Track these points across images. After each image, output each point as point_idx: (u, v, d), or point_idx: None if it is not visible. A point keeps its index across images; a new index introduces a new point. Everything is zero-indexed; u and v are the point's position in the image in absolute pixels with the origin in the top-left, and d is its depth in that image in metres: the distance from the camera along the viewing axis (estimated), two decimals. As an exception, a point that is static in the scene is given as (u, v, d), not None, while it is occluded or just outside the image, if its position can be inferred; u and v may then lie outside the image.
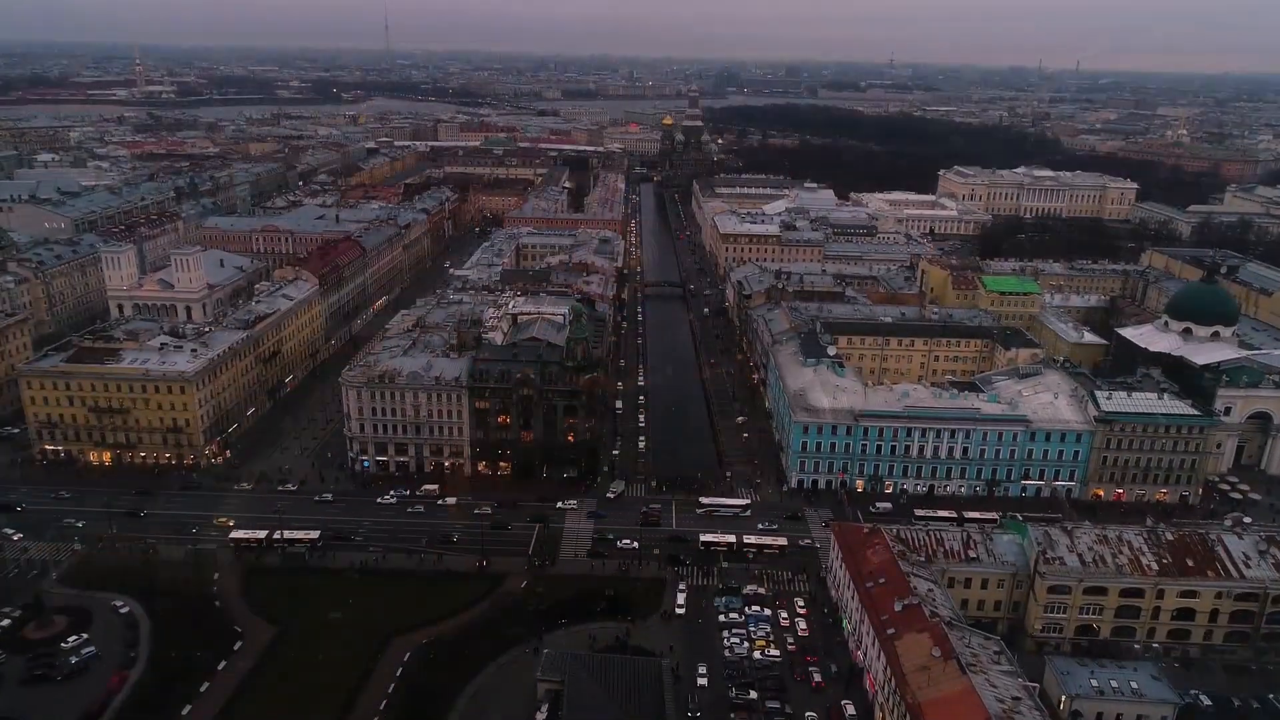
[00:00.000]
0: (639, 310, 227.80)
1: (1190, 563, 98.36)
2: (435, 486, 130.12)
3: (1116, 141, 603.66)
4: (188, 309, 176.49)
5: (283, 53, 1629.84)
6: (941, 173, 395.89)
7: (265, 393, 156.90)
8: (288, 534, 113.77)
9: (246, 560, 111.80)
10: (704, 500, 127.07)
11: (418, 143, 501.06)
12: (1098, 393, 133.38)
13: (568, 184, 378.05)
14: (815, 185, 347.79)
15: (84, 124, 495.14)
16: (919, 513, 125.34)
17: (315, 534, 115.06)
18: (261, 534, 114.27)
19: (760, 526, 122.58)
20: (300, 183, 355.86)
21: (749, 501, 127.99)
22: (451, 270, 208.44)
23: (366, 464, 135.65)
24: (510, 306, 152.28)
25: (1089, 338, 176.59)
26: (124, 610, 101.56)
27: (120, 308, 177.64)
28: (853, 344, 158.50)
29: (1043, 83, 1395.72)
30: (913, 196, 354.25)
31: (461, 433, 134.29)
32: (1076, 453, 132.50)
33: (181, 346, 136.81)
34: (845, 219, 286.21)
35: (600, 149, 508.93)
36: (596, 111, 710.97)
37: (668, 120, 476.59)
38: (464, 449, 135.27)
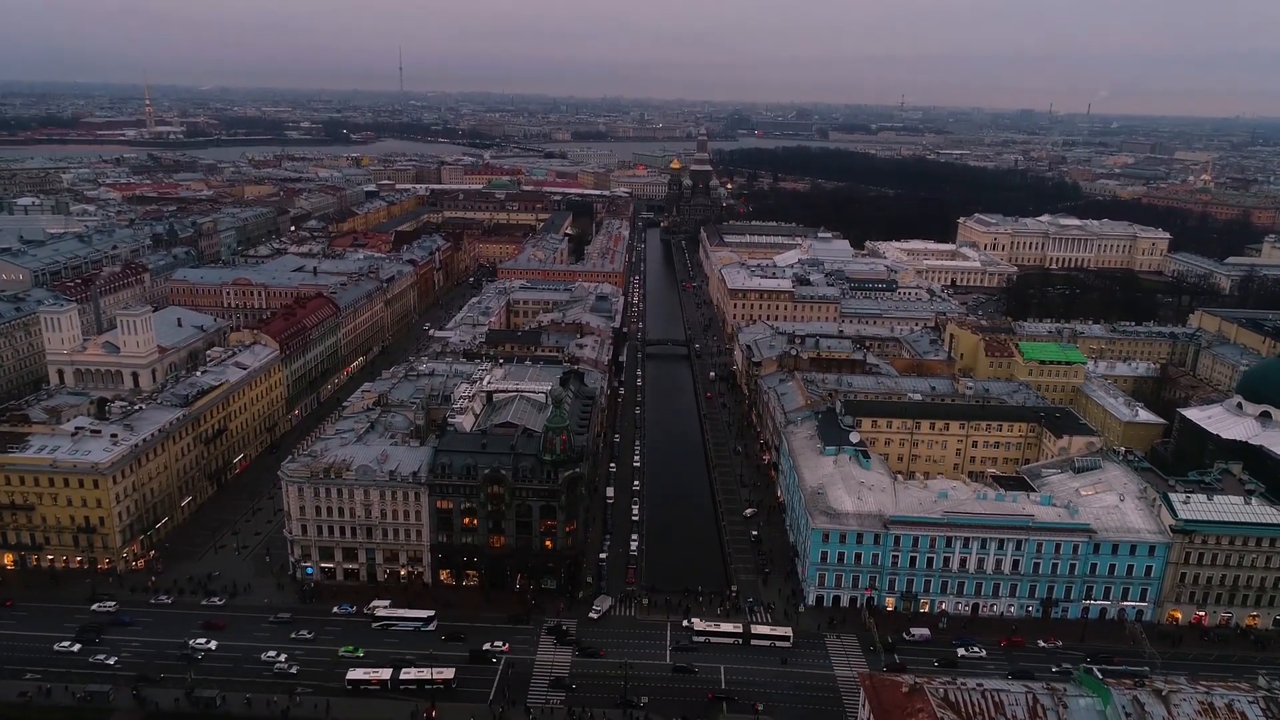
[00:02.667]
0: (638, 374, 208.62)
1: (1324, 745, 76.69)
2: (386, 601, 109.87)
3: (1138, 187, 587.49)
4: (134, 375, 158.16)
5: (298, 94, 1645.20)
6: (961, 220, 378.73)
7: (207, 477, 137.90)
8: (415, 674, 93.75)
9: (148, 708, 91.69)
10: (379, 612, 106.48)
11: (418, 186, 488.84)
12: (1172, 496, 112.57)
13: (569, 230, 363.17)
14: (829, 235, 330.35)
15: (79, 165, 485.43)
16: (699, 626, 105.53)
17: (449, 672, 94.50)
18: (385, 673, 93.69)
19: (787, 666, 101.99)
20: (292, 228, 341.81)
21: (433, 613, 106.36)
22: (431, 331, 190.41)
23: (310, 570, 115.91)
24: (486, 382, 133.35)
25: (1144, 416, 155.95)
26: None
27: (60, 374, 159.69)
28: (878, 426, 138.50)
29: (1054, 126, 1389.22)
30: (932, 246, 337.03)
31: (420, 536, 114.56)
32: (1149, 568, 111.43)
33: (100, 431, 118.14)
34: (862, 271, 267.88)
35: (606, 192, 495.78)
36: (604, 154, 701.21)
37: (675, 164, 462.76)
38: (423, 555, 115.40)
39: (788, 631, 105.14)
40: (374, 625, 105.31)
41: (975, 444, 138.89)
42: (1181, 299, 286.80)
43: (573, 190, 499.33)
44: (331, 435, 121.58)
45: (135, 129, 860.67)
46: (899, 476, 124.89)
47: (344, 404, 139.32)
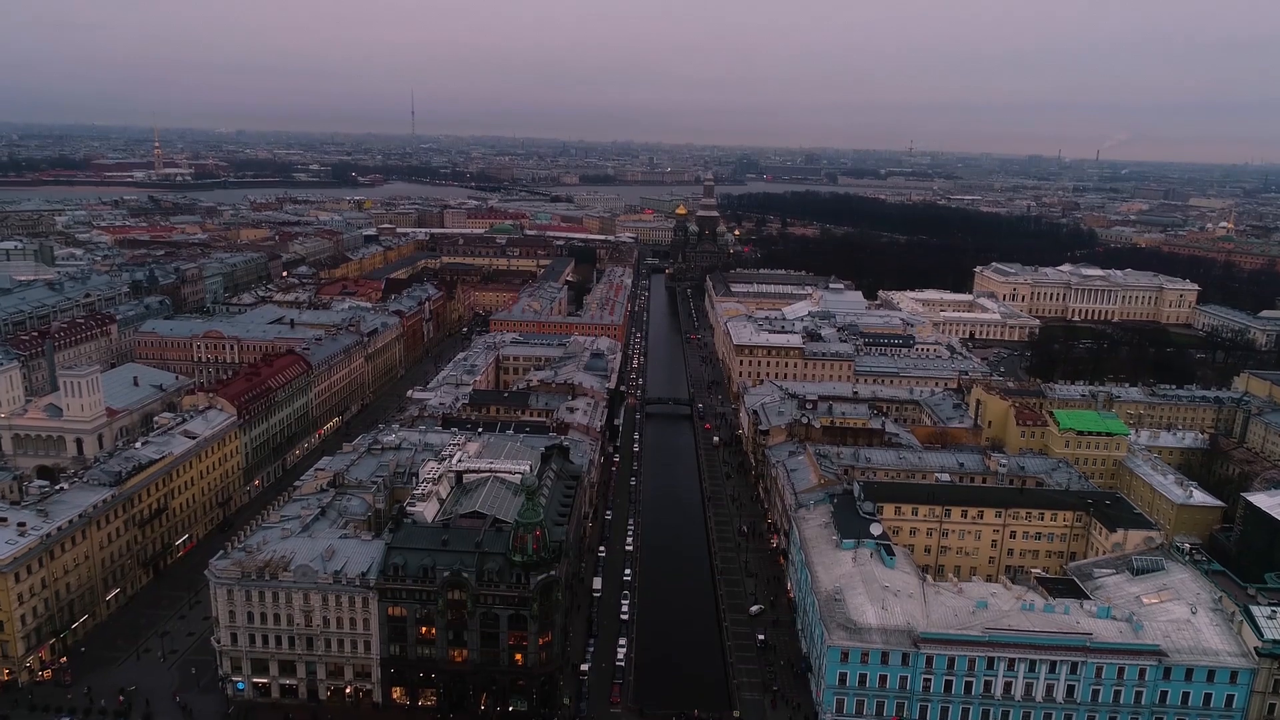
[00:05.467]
0: (635, 437, 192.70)
1: None
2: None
3: (1155, 234, 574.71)
4: (78, 442, 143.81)
5: (311, 137, 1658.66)
6: (979, 269, 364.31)
7: (141, 564, 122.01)
8: None
9: None
10: None
11: (419, 230, 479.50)
12: (1255, 610, 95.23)
13: (570, 277, 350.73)
14: (841, 285, 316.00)
15: (76, 207, 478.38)
16: None
17: None
18: None
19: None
20: (284, 273, 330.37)
21: None
22: (410, 392, 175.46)
23: (241, 686, 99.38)
24: (456, 460, 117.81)
25: (1199, 497, 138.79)
26: None
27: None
28: (901, 513, 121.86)
29: (1063, 172, 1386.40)
30: (948, 296, 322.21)
31: (369, 648, 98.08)
32: (1230, 698, 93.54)
33: (6, 519, 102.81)
34: (876, 325, 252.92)
35: (611, 238, 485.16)
36: (611, 198, 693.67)
37: (681, 209, 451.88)
38: (372, 670, 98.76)
39: None
40: None
41: (1013, 534, 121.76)
42: (1216, 355, 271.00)
43: (576, 235, 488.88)
44: (273, 524, 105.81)
45: (144, 171, 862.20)
46: (927, 576, 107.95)
47: (295, 484, 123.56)
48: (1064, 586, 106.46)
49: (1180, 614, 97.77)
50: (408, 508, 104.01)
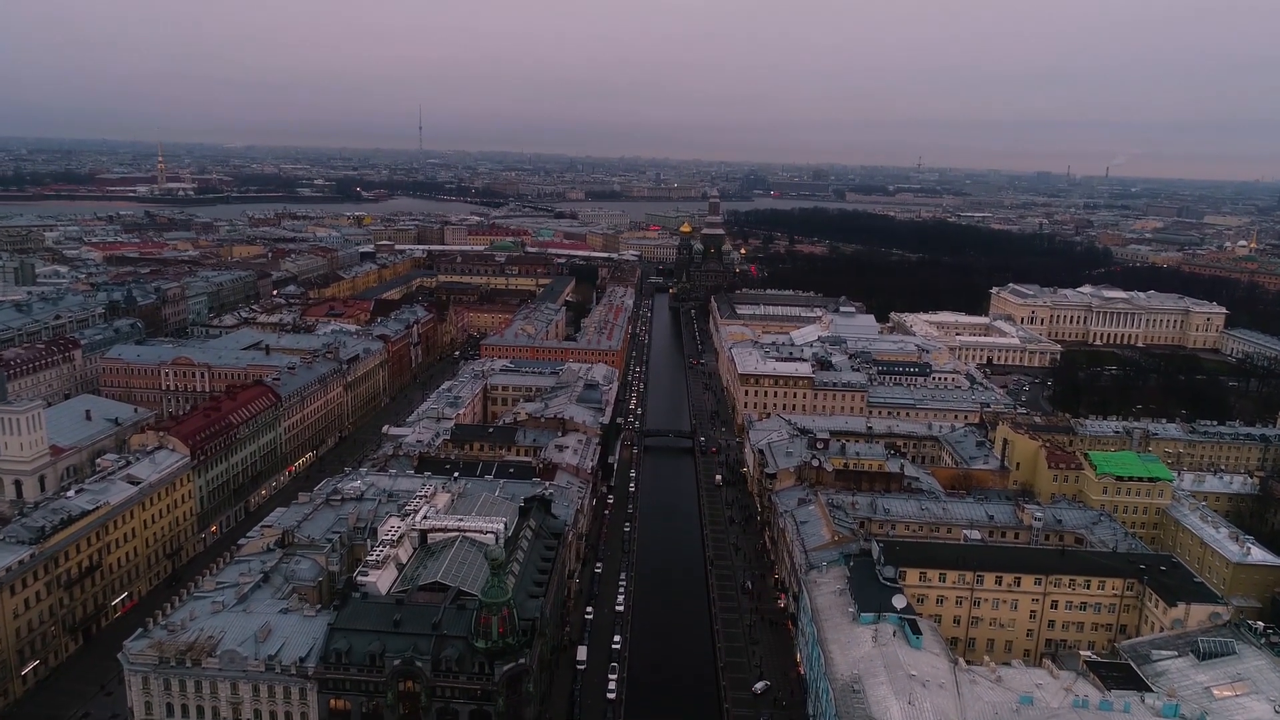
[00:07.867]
0: (632, 474, 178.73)
1: None
2: (251, 847, 79.26)
3: (1172, 253, 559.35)
4: (17, 484, 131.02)
5: (319, 152, 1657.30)
6: (995, 290, 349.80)
7: (68, 630, 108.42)
8: None
9: None
10: None
11: (417, 247, 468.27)
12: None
13: (570, 297, 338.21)
14: (852, 308, 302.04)
15: (69, 223, 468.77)
16: None
17: None
18: None
19: None
20: (274, 292, 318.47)
21: None
22: (387, 429, 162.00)
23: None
24: (420, 516, 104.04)
25: (1259, 555, 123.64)
26: None
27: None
28: (927, 578, 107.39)
29: (1073, 189, 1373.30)
30: (963, 319, 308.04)
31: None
32: (1325, 818, 78.76)
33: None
34: (890, 351, 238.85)
35: (614, 255, 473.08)
36: (617, 214, 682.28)
37: (686, 227, 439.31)
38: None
39: None
40: None
41: (1055, 604, 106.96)
42: (1250, 384, 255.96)
43: (579, 253, 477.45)
44: (206, 593, 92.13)
45: (147, 185, 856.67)
46: (959, 659, 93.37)
47: (238, 542, 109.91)
48: (1119, 673, 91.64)
49: (1261, 713, 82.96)
50: (358, 578, 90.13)
